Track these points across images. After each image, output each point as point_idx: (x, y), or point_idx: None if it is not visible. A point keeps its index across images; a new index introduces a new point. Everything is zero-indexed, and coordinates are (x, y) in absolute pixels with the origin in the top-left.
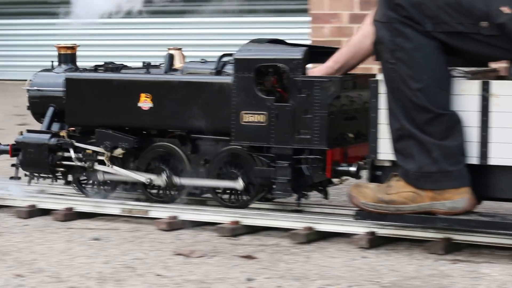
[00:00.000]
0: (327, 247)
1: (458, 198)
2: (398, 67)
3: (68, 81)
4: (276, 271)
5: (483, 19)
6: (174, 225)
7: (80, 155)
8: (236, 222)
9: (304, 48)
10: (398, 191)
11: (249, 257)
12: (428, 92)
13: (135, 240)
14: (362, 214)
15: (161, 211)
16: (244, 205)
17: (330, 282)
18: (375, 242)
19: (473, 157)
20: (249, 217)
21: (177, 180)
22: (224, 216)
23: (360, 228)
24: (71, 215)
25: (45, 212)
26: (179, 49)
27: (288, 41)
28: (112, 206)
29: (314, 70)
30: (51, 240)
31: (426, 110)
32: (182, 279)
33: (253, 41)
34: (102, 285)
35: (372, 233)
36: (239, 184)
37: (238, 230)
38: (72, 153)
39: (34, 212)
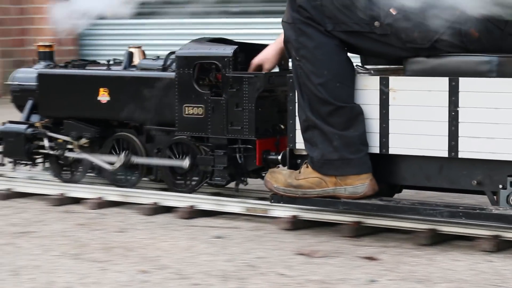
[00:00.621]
0: (450, 250)
1: (358, 184)
2: (303, 64)
3: (40, 76)
4: (399, 273)
5: (376, 20)
6: (296, 224)
7: (53, 144)
8: (358, 223)
9: (235, 46)
10: (306, 176)
11: (371, 258)
12: (328, 86)
13: (256, 239)
14: (276, 198)
15: (282, 211)
16: (191, 190)
17: (454, 286)
18: (500, 245)
19: (375, 147)
20: (371, 218)
21: (133, 159)
22: (346, 217)
23: (486, 231)
24: (194, 213)
25: (168, 209)
26: (139, 47)
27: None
28: (233, 205)
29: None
30: (175, 237)
31: (327, 103)
32: (304, 279)
33: (195, 40)
34: (225, 283)
35: (496, 237)
36: (185, 163)
37: (360, 231)
38: (46, 142)
39: (158, 209)
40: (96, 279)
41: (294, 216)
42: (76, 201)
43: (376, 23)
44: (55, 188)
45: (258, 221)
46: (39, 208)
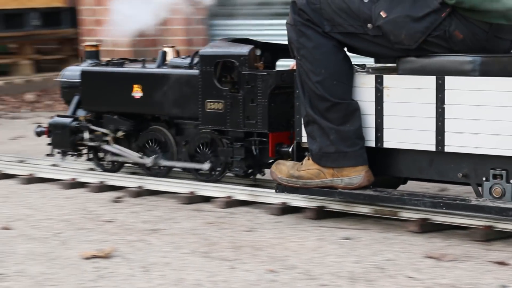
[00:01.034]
0: None
1: (354, 175)
2: (303, 63)
3: (83, 73)
4: None
5: (368, 22)
6: (425, 227)
7: (93, 136)
8: (489, 227)
9: (252, 46)
10: (307, 168)
11: (502, 263)
12: (326, 84)
13: (385, 241)
14: (280, 188)
15: (412, 213)
16: (215, 180)
17: None
18: None
19: (371, 141)
20: (502, 222)
21: (161, 162)
22: (476, 220)
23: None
24: (321, 214)
25: (297, 210)
26: (173, 46)
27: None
28: (362, 206)
29: None
30: (303, 237)
31: (325, 99)
32: (433, 283)
33: (219, 40)
34: (353, 284)
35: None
36: (206, 166)
37: (491, 235)
38: (86, 135)
39: (286, 209)
40: (225, 277)
41: (423, 219)
42: (206, 199)
43: (369, 25)
44: (185, 186)
45: (386, 223)
46: (170, 206)
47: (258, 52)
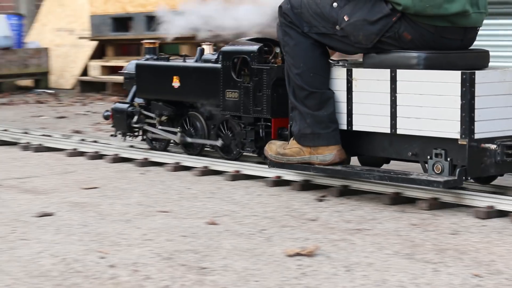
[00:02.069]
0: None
1: (327, 153)
2: (287, 58)
3: (137, 66)
4: None
5: (336, 24)
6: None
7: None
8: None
9: (261, 44)
10: (290, 147)
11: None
12: (304, 76)
13: None
14: (271, 163)
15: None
16: (234, 157)
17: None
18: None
19: (343, 124)
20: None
21: (187, 139)
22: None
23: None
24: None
25: (504, 213)
26: (211, 44)
27: None
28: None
29: None
30: (510, 242)
31: (303, 89)
32: None
33: (239, 38)
34: None
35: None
36: (219, 142)
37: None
38: (135, 118)
39: (492, 213)
40: (428, 280)
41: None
42: (410, 200)
43: (337, 27)
44: (389, 187)
45: None
46: (373, 206)
47: (278, 50)
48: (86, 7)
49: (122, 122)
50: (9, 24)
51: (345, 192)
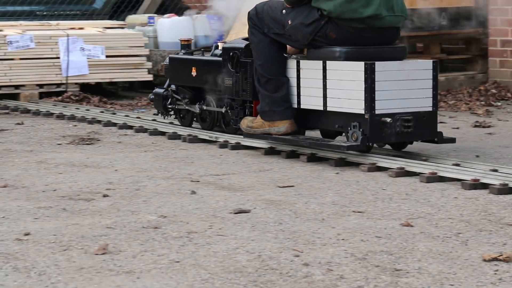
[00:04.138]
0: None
1: (281, 126)
2: (253, 52)
3: (170, 59)
4: None
5: (284, 26)
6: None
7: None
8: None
9: (248, 42)
10: (256, 121)
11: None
12: (264, 66)
13: None
14: (244, 134)
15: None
16: (232, 130)
17: None
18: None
19: (295, 104)
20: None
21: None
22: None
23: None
24: None
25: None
26: (224, 42)
27: None
28: None
29: None
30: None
31: (263, 76)
32: None
33: (237, 38)
34: None
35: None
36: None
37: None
38: (169, 100)
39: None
40: None
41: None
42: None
43: (286, 29)
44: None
45: None
46: None
47: None
48: None
49: (159, 103)
50: (209, 23)
51: None
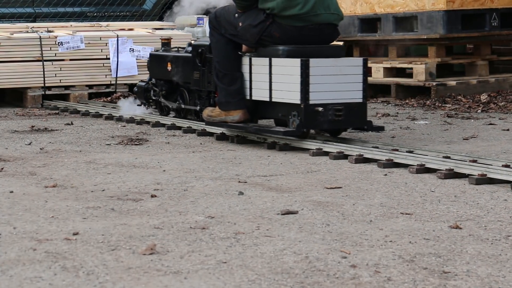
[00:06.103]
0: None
1: (235, 115)
2: (212, 51)
3: (150, 55)
4: None
5: (237, 28)
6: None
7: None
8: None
9: None
10: (215, 111)
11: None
12: (221, 63)
13: None
14: (205, 122)
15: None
16: (199, 119)
17: None
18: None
19: (248, 95)
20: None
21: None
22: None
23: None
24: None
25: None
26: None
27: None
28: None
29: None
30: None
31: (220, 71)
32: None
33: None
34: None
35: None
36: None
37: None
38: (151, 93)
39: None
40: None
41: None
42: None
43: (237, 30)
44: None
45: None
46: None
47: None
48: None
49: (142, 95)
50: None
51: None
